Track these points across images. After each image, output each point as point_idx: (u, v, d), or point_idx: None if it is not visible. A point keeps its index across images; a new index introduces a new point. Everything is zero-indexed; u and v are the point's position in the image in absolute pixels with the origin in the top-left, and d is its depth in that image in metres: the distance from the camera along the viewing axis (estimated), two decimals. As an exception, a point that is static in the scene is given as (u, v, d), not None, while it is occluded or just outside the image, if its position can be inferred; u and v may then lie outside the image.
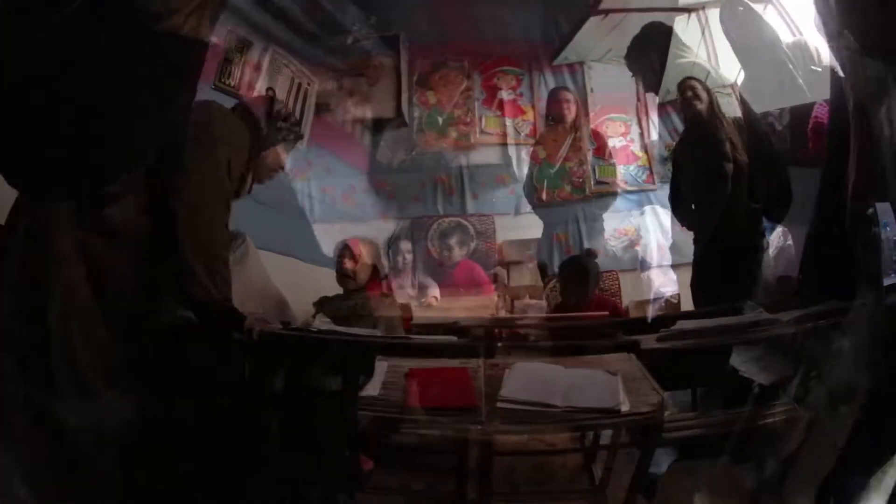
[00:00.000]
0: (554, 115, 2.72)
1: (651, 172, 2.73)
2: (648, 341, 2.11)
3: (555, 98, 2.73)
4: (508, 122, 2.72)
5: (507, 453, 2.13)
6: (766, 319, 2.10)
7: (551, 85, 2.73)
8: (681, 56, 2.51)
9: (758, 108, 2.46)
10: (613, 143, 2.75)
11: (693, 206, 2.55)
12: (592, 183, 2.73)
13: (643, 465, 1.92)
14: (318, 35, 2.52)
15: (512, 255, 2.66)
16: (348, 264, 2.35)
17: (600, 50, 2.66)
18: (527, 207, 2.69)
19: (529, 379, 1.91)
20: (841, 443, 1.80)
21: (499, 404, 1.79)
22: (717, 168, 2.36)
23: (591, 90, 2.71)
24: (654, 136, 2.73)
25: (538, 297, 2.58)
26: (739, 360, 2.01)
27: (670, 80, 2.51)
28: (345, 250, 2.37)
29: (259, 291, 2.17)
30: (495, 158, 2.72)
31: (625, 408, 1.78)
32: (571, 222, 2.69)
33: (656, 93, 2.62)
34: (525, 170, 2.72)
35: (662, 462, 2.10)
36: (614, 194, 2.73)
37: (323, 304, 2.22)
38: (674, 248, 2.62)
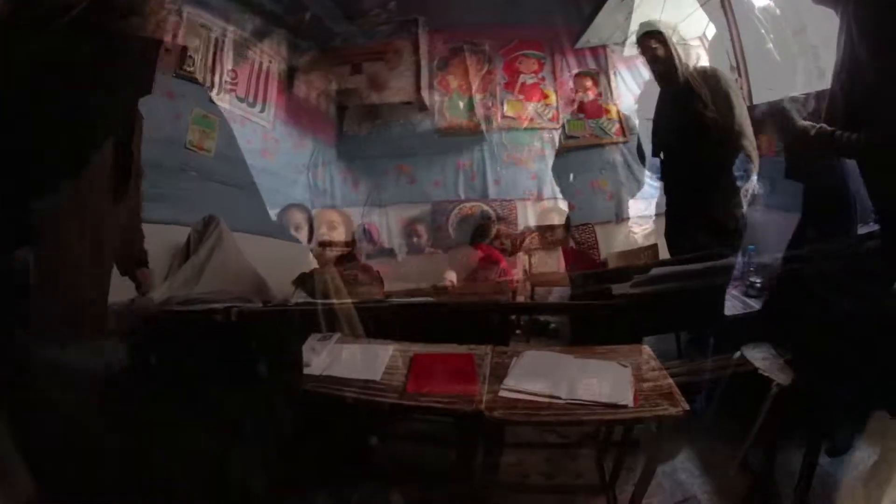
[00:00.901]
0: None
1: (621, 125, 2.70)
2: (622, 287, 2.10)
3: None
4: (530, 106, 2.69)
5: (517, 445, 2.11)
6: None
7: (574, 68, 2.69)
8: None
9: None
10: (582, 97, 2.72)
11: (662, 156, 2.50)
12: (563, 138, 2.71)
13: (653, 462, 1.84)
14: (278, 14, 2.54)
15: (535, 242, 2.64)
16: (333, 236, 2.38)
17: (622, 33, 2.59)
18: (549, 192, 2.65)
19: (536, 368, 1.86)
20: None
21: (501, 392, 1.74)
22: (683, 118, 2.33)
23: (615, 73, 2.65)
24: (623, 90, 2.71)
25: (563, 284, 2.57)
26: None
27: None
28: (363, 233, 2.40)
29: (236, 272, 2.21)
30: (517, 143, 2.69)
31: (630, 403, 1.70)
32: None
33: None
34: (550, 153, 2.70)
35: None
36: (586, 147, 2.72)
37: (303, 281, 2.23)
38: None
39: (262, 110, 2.58)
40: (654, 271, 2.18)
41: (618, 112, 2.70)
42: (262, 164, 2.54)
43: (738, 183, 2.32)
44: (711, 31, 2.53)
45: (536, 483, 2.09)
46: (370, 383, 1.81)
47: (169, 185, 2.27)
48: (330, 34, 2.57)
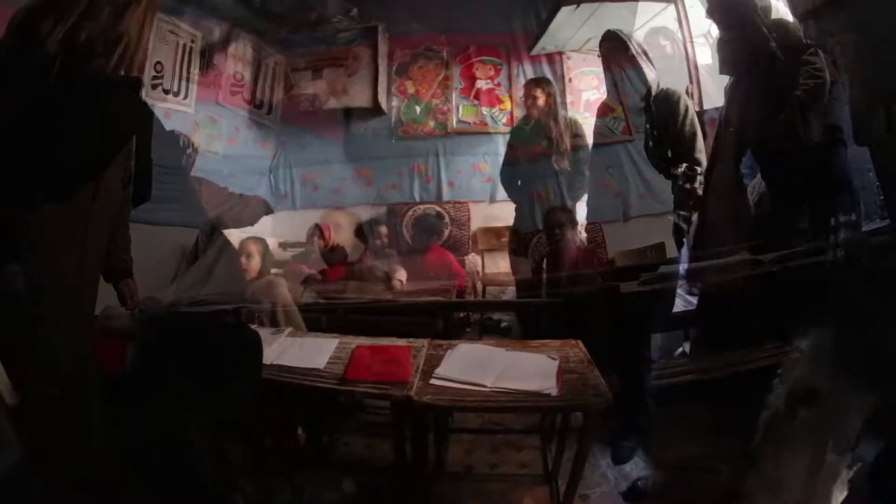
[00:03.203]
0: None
1: (627, 124, 2.69)
2: (630, 285, 2.12)
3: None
4: (485, 111, 2.77)
5: (463, 430, 2.19)
6: (748, 260, 2.05)
7: (529, 75, 2.76)
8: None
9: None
10: (587, 96, 2.78)
11: (669, 153, 2.47)
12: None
13: (583, 451, 1.90)
14: (282, 14, 2.65)
15: (486, 243, 2.71)
16: (318, 244, 2.45)
17: (579, 39, 2.65)
18: (502, 195, 2.71)
19: (467, 359, 1.94)
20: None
21: (432, 381, 1.82)
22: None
23: (570, 80, 2.72)
24: (629, 88, 2.64)
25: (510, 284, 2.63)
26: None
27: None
28: (316, 230, 2.48)
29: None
30: (471, 147, 2.77)
31: (554, 392, 1.77)
32: (550, 177, 2.68)
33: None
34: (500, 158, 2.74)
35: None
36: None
37: (309, 283, 2.32)
38: (655, 197, 2.61)
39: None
40: (662, 269, 2.21)
41: (623, 110, 2.70)
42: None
43: (745, 181, 2.31)
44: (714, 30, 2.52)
45: (481, 473, 2.16)
46: (313, 371, 1.90)
47: (177, 188, 2.38)
48: (293, 40, 2.67)
